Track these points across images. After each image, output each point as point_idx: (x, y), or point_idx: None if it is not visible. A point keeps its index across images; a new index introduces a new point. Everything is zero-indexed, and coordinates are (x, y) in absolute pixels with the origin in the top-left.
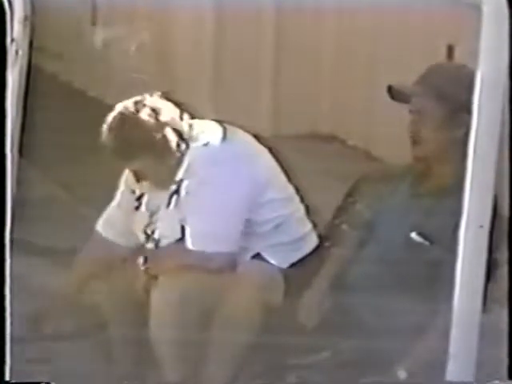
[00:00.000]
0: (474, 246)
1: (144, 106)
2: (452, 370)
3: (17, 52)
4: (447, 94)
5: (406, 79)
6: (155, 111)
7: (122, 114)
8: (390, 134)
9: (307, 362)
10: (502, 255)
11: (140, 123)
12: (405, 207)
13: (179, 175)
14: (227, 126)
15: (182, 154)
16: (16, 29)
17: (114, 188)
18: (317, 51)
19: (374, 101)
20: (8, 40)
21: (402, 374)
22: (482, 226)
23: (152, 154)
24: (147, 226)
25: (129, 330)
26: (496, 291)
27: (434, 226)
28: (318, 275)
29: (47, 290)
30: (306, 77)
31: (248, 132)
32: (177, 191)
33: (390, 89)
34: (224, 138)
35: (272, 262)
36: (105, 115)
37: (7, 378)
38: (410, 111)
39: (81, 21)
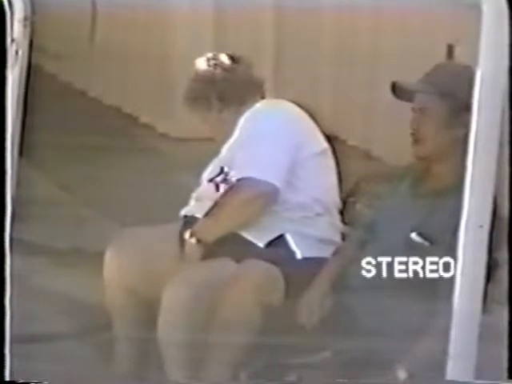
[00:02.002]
0: (473, 246)
1: (217, 59)
2: (452, 370)
3: (17, 52)
4: (451, 92)
5: (407, 79)
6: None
7: (198, 70)
8: (390, 134)
9: (307, 362)
10: (502, 255)
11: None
12: (405, 207)
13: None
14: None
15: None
16: (16, 29)
17: (113, 188)
18: (317, 51)
19: (375, 101)
20: (8, 40)
21: (401, 374)
22: (481, 226)
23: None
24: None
25: (131, 330)
26: (496, 291)
27: (434, 226)
28: (319, 275)
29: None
30: (306, 77)
31: None
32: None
33: (393, 86)
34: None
35: (293, 248)
36: (105, 115)
37: (7, 377)
38: (413, 109)
39: (81, 21)
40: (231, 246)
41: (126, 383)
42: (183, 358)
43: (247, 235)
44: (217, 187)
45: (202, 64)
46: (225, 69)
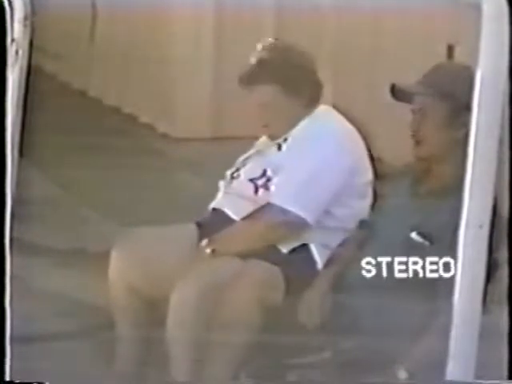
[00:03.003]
0: (473, 246)
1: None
2: (452, 370)
3: (17, 52)
4: (451, 93)
5: (407, 79)
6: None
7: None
8: (390, 134)
9: (307, 362)
10: (502, 255)
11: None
12: (405, 207)
13: (290, 133)
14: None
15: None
16: (16, 29)
17: (113, 188)
18: (317, 51)
19: (375, 101)
20: (8, 40)
21: (401, 374)
22: (481, 226)
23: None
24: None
25: (134, 330)
26: (496, 291)
27: (433, 226)
28: (319, 275)
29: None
30: None
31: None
32: (279, 146)
33: (392, 88)
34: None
35: (316, 258)
36: (105, 115)
37: (7, 377)
38: (413, 110)
39: (81, 21)
40: None
41: (127, 383)
42: (191, 358)
43: None
44: (256, 189)
45: (271, 47)
46: (297, 59)
